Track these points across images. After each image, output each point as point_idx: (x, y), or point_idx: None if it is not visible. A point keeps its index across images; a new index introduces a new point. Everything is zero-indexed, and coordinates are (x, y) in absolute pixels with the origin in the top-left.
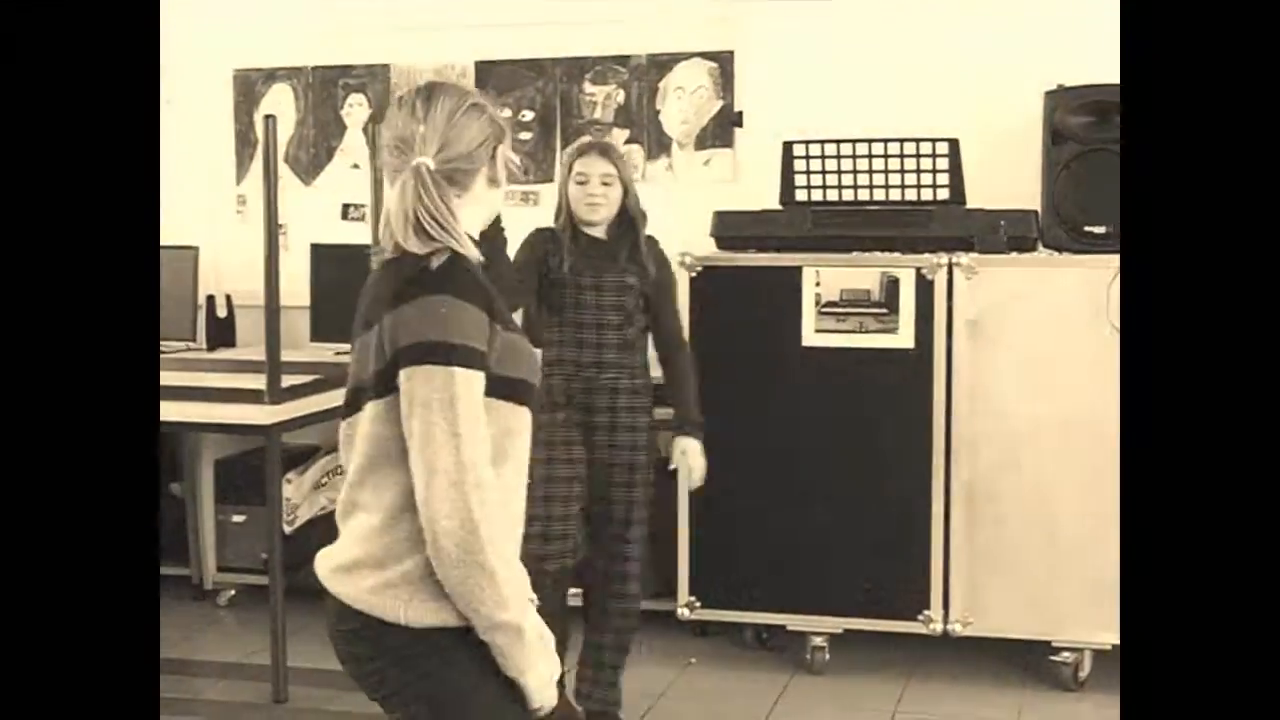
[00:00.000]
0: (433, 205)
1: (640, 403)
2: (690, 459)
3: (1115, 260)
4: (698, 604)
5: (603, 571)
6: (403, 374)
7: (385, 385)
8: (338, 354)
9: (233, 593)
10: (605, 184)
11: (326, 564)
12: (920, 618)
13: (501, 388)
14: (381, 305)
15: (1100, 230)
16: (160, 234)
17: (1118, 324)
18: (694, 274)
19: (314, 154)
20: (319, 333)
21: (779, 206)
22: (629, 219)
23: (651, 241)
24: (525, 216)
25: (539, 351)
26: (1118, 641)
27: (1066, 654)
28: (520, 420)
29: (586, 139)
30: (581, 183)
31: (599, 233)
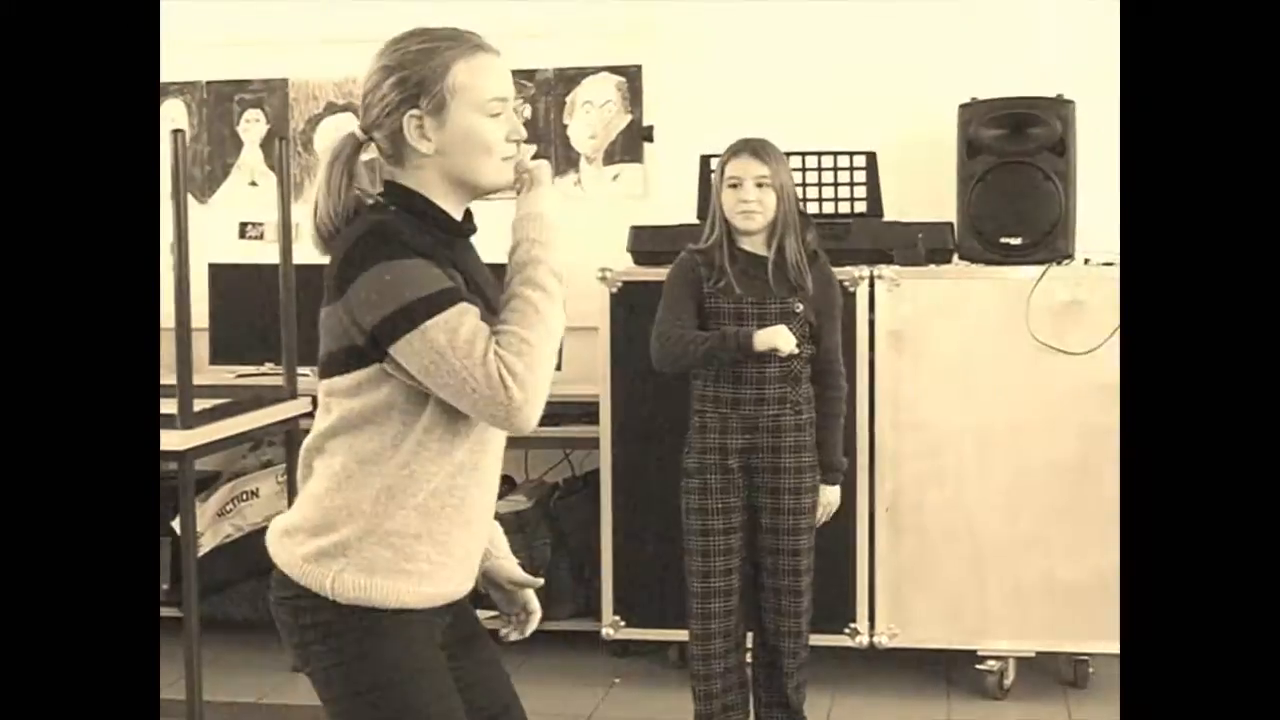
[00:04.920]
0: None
1: (806, 440)
2: (823, 504)
3: (1032, 271)
4: (622, 623)
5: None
6: (392, 351)
7: (351, 361)
8: (239, 376)
9: None
10: (760, 186)
11: (274, 528)
12: (846, 630)
13: None
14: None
15: (1015, 241)
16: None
17: (1038, 335)
18: (614, 290)
19: (209, 171)
20: (219, 355)
21: (696, 220)
22: (782, 230)
23: (815, 257)
24: None
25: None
26: (1040, 649)
27: (991, 662)
28: None
29: (741, 139)
30: (734, 186)
31: (758, 246)
